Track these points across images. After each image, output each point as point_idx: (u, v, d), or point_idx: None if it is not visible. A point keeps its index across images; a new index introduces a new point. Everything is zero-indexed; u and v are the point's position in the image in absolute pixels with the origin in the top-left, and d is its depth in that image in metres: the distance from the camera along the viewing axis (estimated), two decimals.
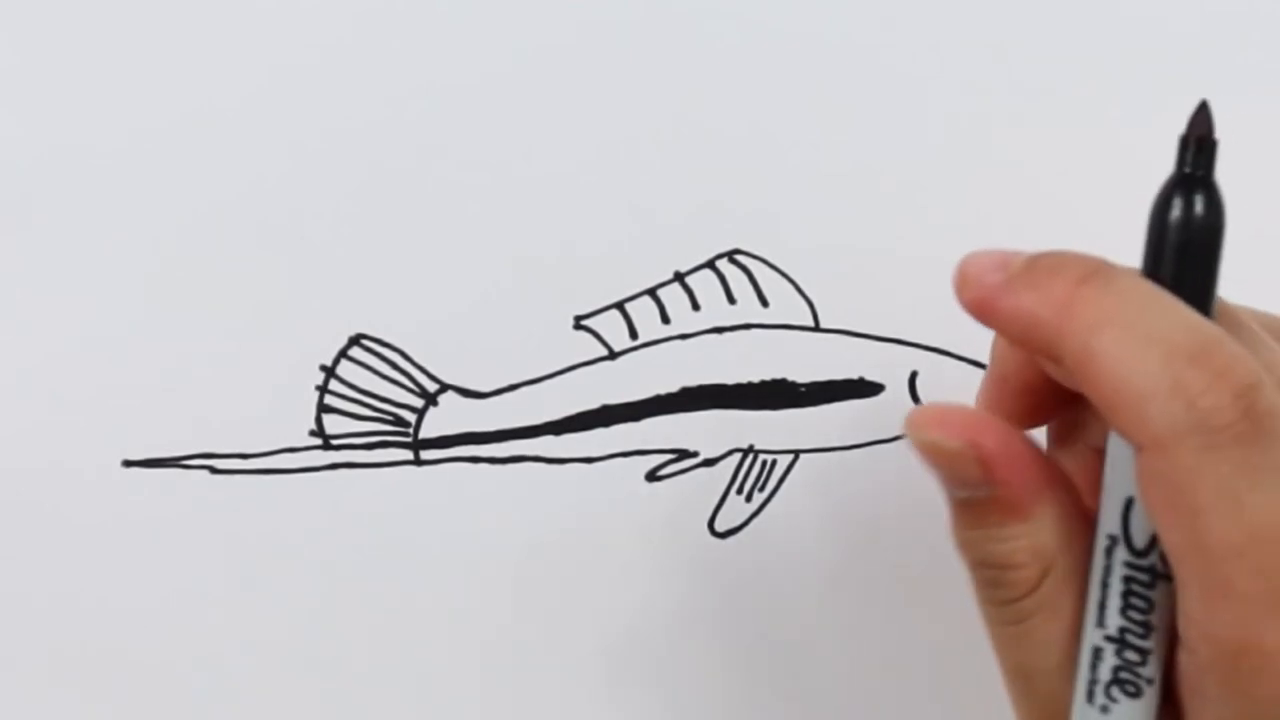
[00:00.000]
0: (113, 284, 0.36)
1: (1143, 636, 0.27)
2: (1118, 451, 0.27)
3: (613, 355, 0.37)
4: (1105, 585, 0.27)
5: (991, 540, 0.27)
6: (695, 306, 0.37)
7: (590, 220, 0.36)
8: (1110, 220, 0.37)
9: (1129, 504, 0.26)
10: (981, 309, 0.26)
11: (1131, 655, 0.27)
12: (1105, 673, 0.27)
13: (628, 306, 0.37)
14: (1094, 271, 0.25)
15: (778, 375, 0.38)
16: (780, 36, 0.35)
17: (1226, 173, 0.37)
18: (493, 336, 0.37)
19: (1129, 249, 0.37)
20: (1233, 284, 0.38)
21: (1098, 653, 0.27)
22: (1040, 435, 0.30)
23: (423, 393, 0.37)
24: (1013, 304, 0.26)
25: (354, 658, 0.38)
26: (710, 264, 0.37)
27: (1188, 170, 0.27)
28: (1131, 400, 0.24)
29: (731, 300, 0.37)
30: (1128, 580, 0.27)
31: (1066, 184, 0.37)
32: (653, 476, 0.38)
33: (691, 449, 0.38)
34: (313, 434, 0.37)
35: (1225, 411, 0.23)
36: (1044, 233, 0.37)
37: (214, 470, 0.37)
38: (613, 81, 0.35)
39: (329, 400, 0.37)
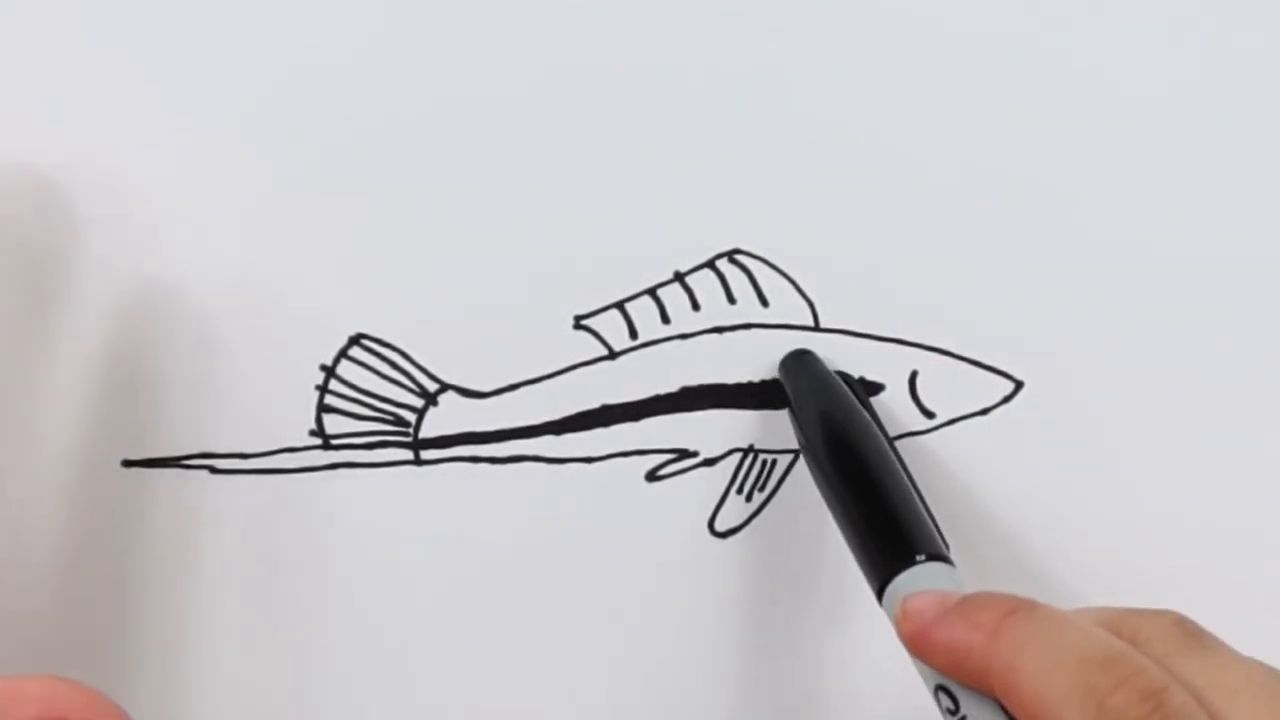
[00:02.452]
0: (112, 282, 0.36)
1: None
2: None
3: (613, 355, 0.37)
4: None
5: None
6: (695, 306, 0.37)
7: (590, 220, 0.36)
8: (1110, 219, 0.37)
9: None
10: (918, 640, 0.30)
11: None
12: None
13: (628, 306, 0.37)
14: (1019, 605, 0.28)
15: (778, 375, 0.38)
16: (781, 36, 0.35)
17: (1227, 172, 0.37)
18: (493, 336, 0.37)
19: (1128, 249, 0.37)
20: (1233, 285, 0.38)
21: None
22: None
23: (423, 392, 0.37)
24: (945, 635, 0.29)
25: (354, 657, 0.38)
26: (710, 264, 0.37)
27: None
28: (1050, 705, 0.26)
29: (732, 300, 0.37)
30: None
31: (1067, 184, 0.37)
32: (653, 476, 0.38)
33: (691, 449, 0.38)
34: (313, 434, 0.37)
35: (1134, 708, 0.26)
36: (1044, 232, 0.37)
37: (214, 470, 0.37)
38: (613, 80, 0.35)
39: (329, 400, 0.37)
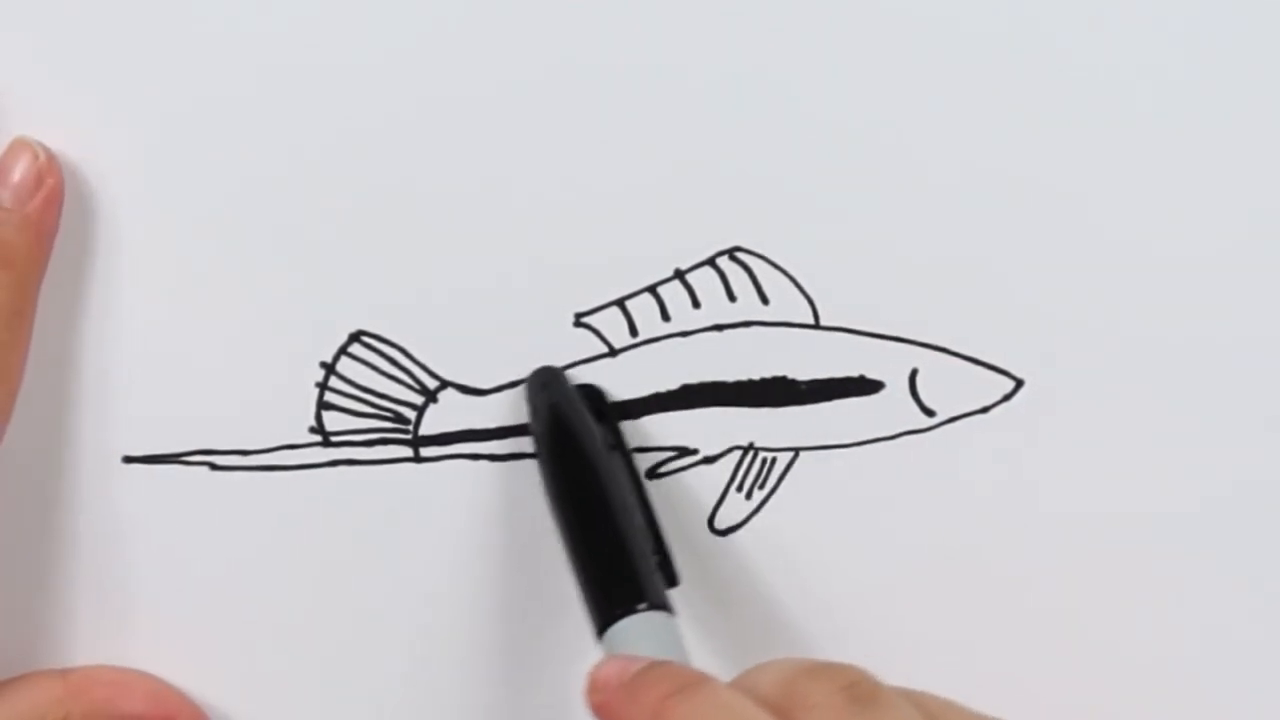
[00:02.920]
0: (113, 279, 0.36)
1: None
2: None
3: (613, 352, 0.37)
4: None
5: None
6: (695, 304, 0.37)
7: (590, 217, 0.36)
8: (1110, 218, 0.37)
9: None
10: (601, 713, 0.30)
11: None
12: None
13: (628, 304, 0.37)
14: (686, 684, 0.29)
15: (778, 373, 0.38)
16: (781, 34, 0.35)
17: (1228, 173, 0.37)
18: (493, 333, 0.37)
19: (1129, 248, 0.37)
20: (1234, 285, 0.38)
21: None
22: None
23: (423, 390, 0.37)
24: (617, 712, 0.29)
25: (353, 655, 0.38)
26: (711, 261, 0.37)
27: None
28: None
29: (732, 298, 0.37)
30: None
31: (1067, 183, 0.37)
32: (653, 474, 0.38)
33: (691, 446, 0.38)
34: (313, 431, 0.37)
35: None
36: (1045, 230, 0.37)
37: (214, 467, 0.37)
38: (613, 78, 0.35)
39: (329, 397, 0.37)
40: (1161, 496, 0.39)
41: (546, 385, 0.37)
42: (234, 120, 0.35)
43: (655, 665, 0.30)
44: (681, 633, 0.32)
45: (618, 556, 0.34)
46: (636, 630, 0.32)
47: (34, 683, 0.36)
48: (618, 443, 0.37)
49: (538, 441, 0.36)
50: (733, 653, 0.39)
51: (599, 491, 0.35)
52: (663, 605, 0.33)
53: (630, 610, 0.32)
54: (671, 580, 0.35)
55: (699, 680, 0.29)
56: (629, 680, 0.29)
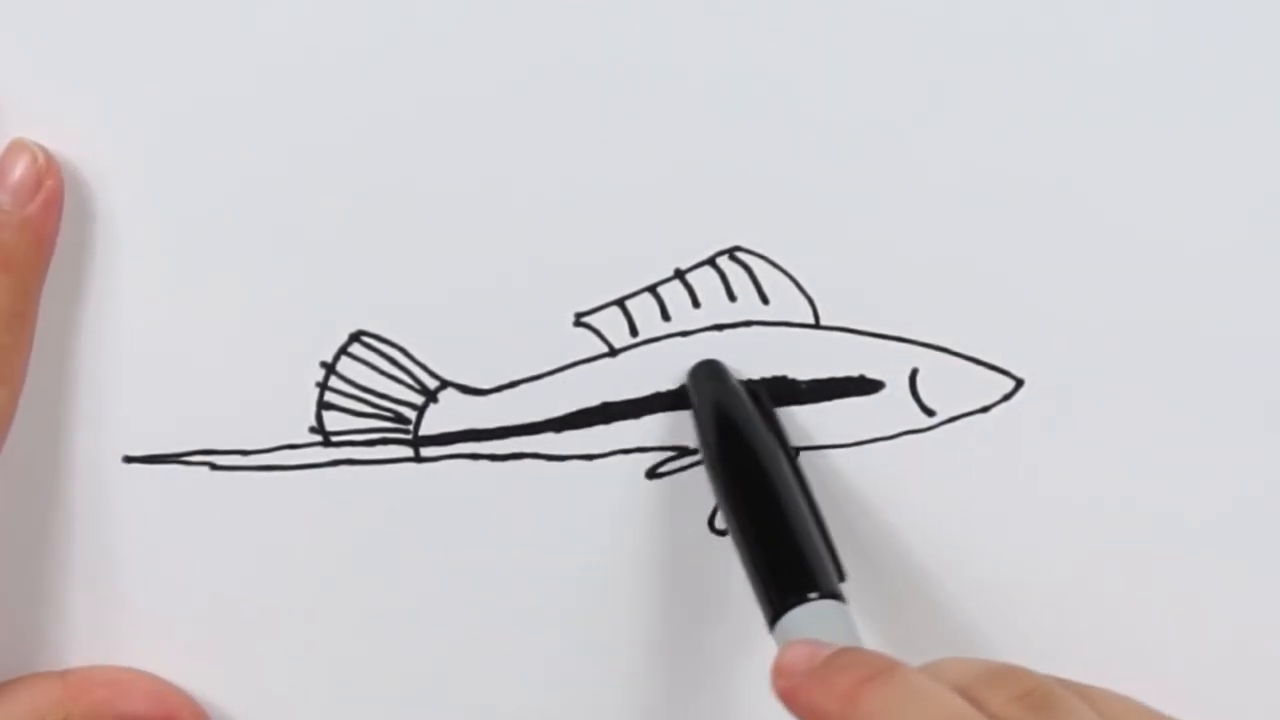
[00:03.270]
0: (112, 279, 0.36)
1: None
2: None
3: (613, 352, 0.37)
4: None
5: None
6: (696, 303, 0.37)
7: (590, 217, 0.36)
8: (1111, 217, 0.37)
9: None
10: (787, 698, 0.30)
11: None
12: None
13: (628, 303, 0.37)
14: (876, 672, 0.29)
15: (778, 372, 0.38)
16: (781, 34, 0.35)
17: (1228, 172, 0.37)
18: (493, 333, 0.37)
19: (1130, 247, 0.37)
20: (1235, 284, 0.38)
21: None
22: None
23: (423, 390, 0.37)
24: (806, 699, 0.29)
25: (353, 654, 0.38)
26: (711, 261, 0.37)
27: None
28: None
29: (732, 297, 0.37)
30: None
31: (1068, 182, 0.37)
32: (653, 474, 0.38)
33: (692, 446, 0.38)
34: (313, 431, 0.37)
35: None
36: (1045, 230, 0.37)
37: (214, 467, 0.37)
38: (613, 78, 0.35)
39: (329, 397, 0.37)
40: (1161, 495, 0.39)
41: (711, 378, 0.37)
42: (234, 120, 0.35)
43: (846, 651, 0.30)
44: (855, 621, 0.32)
45: (790, 547, 0.34)
46: (811, 618, 0.32)
47: (33, 684, 0.36)
48: (778, 434, 0.37)
49: (705, 434, 0.36)
50: (733, 651, 0.39)
51: (770, 484, 0.35)
52: (836, 594, 0.32)
53: (803, 599, 0.32)
54: (840, 573, 0.35)
55: (892, 666, 0.29)
56: (819, 666, 0.29)
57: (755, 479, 0.35)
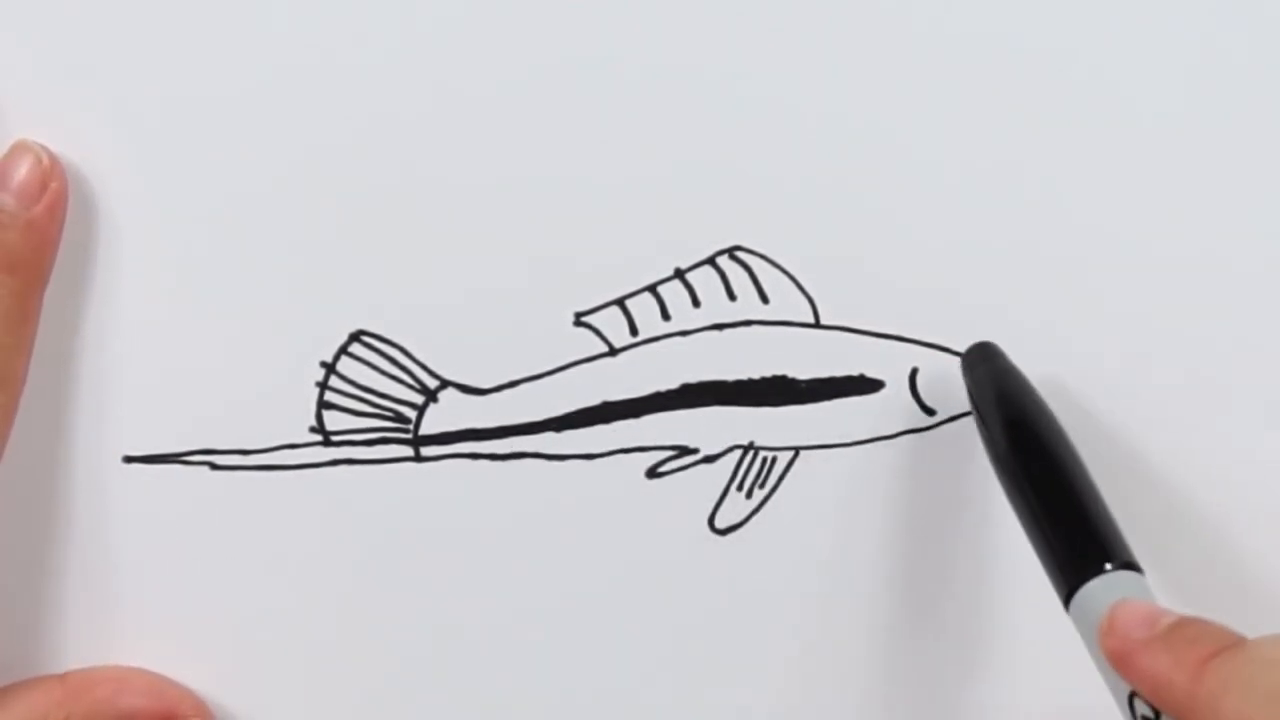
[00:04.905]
0: (113, 280, 0.36)
1: None
2: None
3: (613, 352, 0.37)
4: None
5: None
6: (696, 303, 0.37)
7: (590, 217, 0.36)
8: (1112, 217, 0.37)
9: None
10: (1121, 660, 0.29)
11: None
12: None
13: (628, 303, 0.37)
14: (1226, 645, 0.28)
15: (778, 372, 0.38)
16: (781, 33, 0.35)
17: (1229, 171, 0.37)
18: (493, 333, 0.37)
19: (1131, 247, 0.37)
20: (1236, 284, 0.38)
21: None
22: None
23: (423, 389, 0.37)
24: (1149, 664, 0.29)
25: (353, 653, 0.38)
26: (710, 260, 0.37)
27: None
28: None
29: (732, 297, 0.37)
30: None
31: (1069, 181, 0.37)
32: (653, 473, 0.38)
33: (692, 445, 0.38)
34: (313, 430, 0.37)
35: None
36: (1045, 229, 0.37)
37: (214, 466, 0.37)
38: (613, 77, 0.35)
39: (329, 397, 0.37)
40: (1162, 494, 0.39)
41: (987, 359, 0.36)
42: (234, 121, 0.35)
43: (1194, 621, 0.29)
44: (1154, 592, 0.32)
45: (1088, 517, 0.33)
46: (1112, 588, 0.31)
47: (34, 687, 0.36)
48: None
49: (988, 410, 0.35)
50: (733, 651, 0.39)
51: (1061, 457, 0.34)
52: (1134, 564, 0.32)
53: (1101, 570, 0.32)
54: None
55: (1240, 640, 0.28)
56: (1164, 632, 0.29)
57: (1048, 452, 0.34)
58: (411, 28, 0.35)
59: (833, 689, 0.40)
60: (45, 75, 0.35)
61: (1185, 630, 0.29)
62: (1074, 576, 0.32)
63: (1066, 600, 0.32)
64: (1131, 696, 0.29)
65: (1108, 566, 0.32)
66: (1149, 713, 0.29)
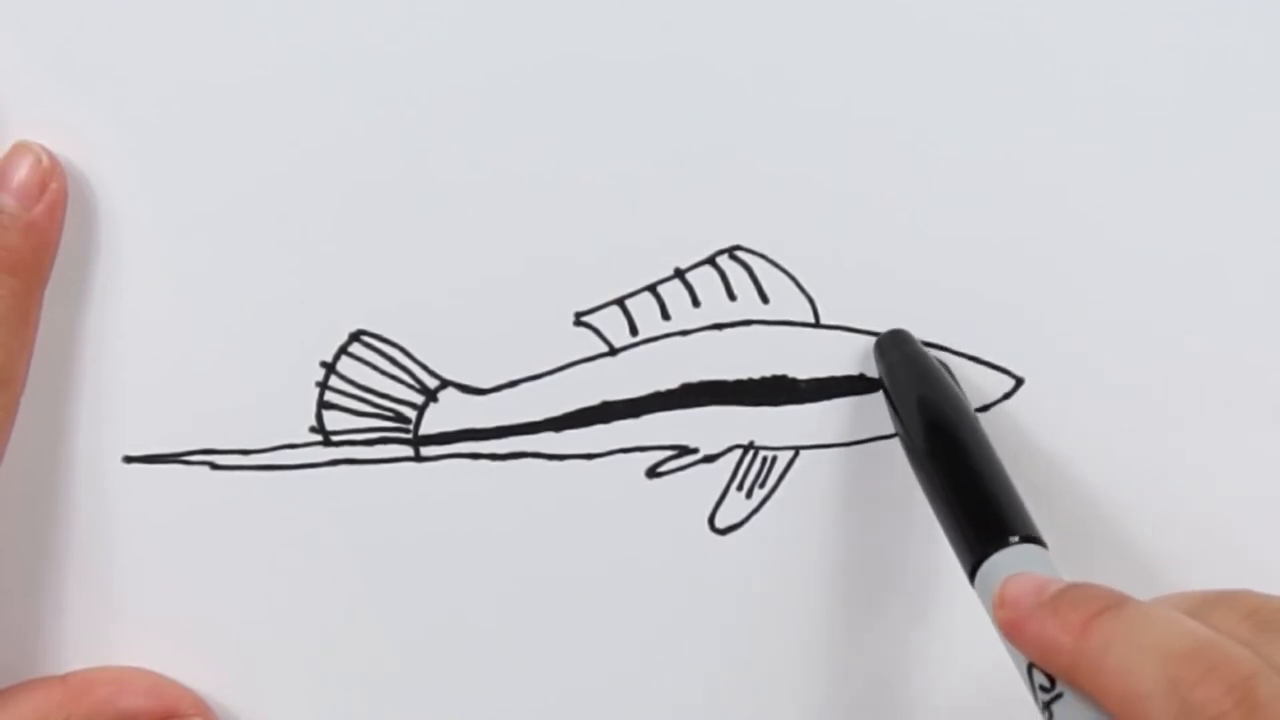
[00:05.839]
0: (113, 280, 0.36)
1: None
2: None
3: (613, 351, 0.37)
4: None
5: None
6: (695, 303, 0.37)
7: (590, 216, 0.36)
8: (1112, 216, 0.37)
9: None
10: (1012, 629, 0.30)
11: None
12: None
13: (628, 303, 0.37)
14: (1109, 604, 0.28)
15: (778, 371, 0.38)
16: (782, 32, 0.35)
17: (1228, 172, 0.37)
18: (493, 333, 0.37)
19: (1130, 246, 0.37)
20: (1236, 283, 0.38)
21: None
22: None
23: (423, 389, 0.37)
24: (1037, 629, 0.29)
25: (353, 654, 0.38)
26: (710, 260, 0.37)
27: None
28: (1134, 702, 0.27)
29: (732, 296, 0.37)
30: None
31: (1069, 181, 0.37)
32: (653, 473, 0.38)
33: (692, 445, 0.38)
34: (313, 430, 0.37)
35: (1218, 702, 0.25)
36: (1045, 228, 0.37)
37: (214, 466, 0.37)
38: (614, 77, 0.35)
39: (329, 396, 0.37)
40: (1163, 494, 0.39)
41: (897, 345, 0.37)
42: (233, 121, 0.35)
43: (1078, 586, 0.30)
44: (1056, 565, 0.32)
45: (991, 493, 0.34)
46: (1014, 562, 0.32)
47: (35, 688, 0.36)
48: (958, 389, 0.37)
49: (898, 389, 0.36)
50: (733, 650, 0.39)
51: (964, 435, 0.35)
52: (1037, 538, 0.32)
53: (1005, 543, 0.32)
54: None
55: (1124, 598, 0.29)
56: (1050, 599, 0.29)
57: (950, 431, 0.35)
58: (411, 26, 0.35)
59: (833, 687, 0.40)
60: (45, 75, 0.35)
61: (1070, 594, 0.29)
62: (977, 551, 0.32)
63: (971, 575, 0.32)
64: (1030, 667, 0.30)
65: (1011, 540, 0.32)
66: (1045, 681, 0.29)
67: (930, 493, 0.35)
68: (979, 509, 0.33)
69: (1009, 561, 0.32)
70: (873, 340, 0.37)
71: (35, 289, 0.34)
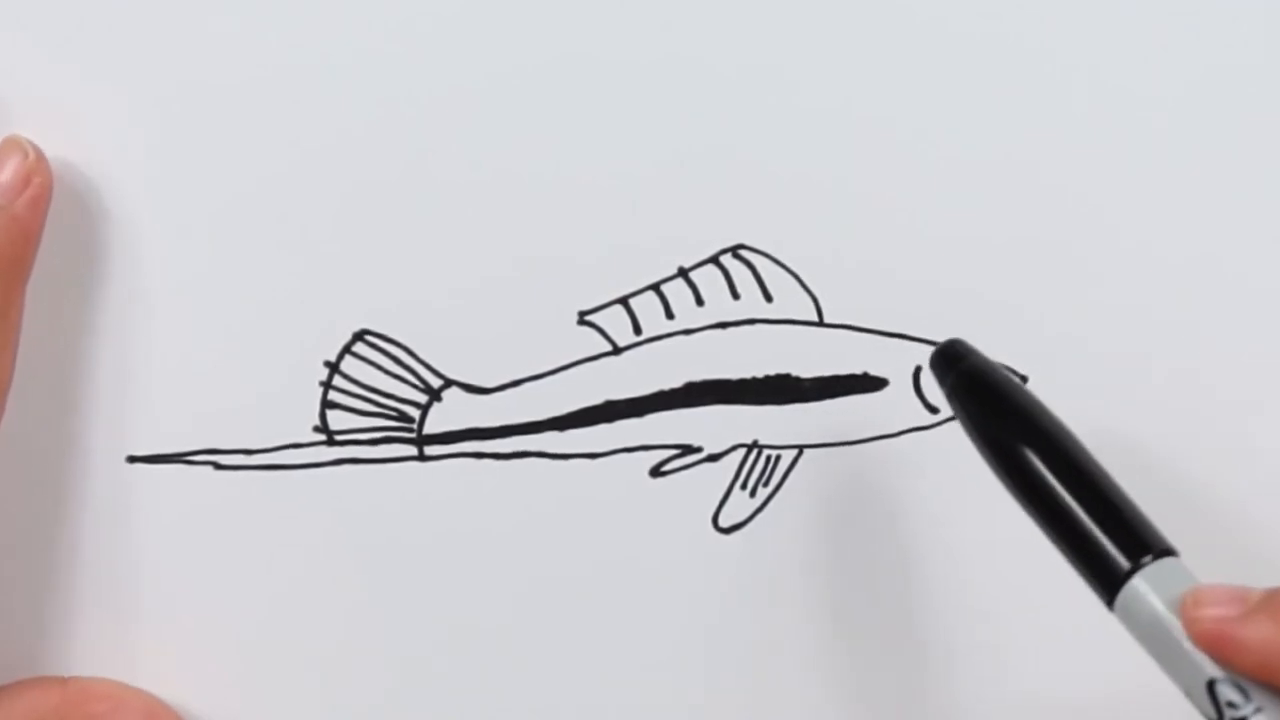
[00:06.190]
0: (116, 280, 0.36)
1: None
2: None
3: (617, 350, 0.37)
4: None
5: None
6: (699, 302, 0.37)
7: (594, 215, 0.36)
8: (1114, 215, 0.37)
9: None
10: (1218, 642, 0.28)
11: None
12: None
13: (632, 302, 0.37)
14: None
15: (781, 370, 0.38)
16: (784, 31, 0.35)
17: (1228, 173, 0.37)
18: (497, 332, 0.37)
19: (1133, 245, 0.37)
20: (1238, 282, 0.38)
21: None
22: None
23: (427, 388, 0.37)
24: (1255, 635, 0.28)
25: (356, 653, 0.38)
26: (714, 259, 0.37)
27: None
28: None
29: (735, 295, 0.37)
30: None
31: (1070, 180, 0.37)
32: (657, 472, 0.38)
33: (695, 444, 0.38)
34: (317, 430, 0.37)
35: None
36: (1048, 227, 0.37)
37: (218, 466, 0.37)
38: (616, 76, 0.35)
39: (333, 396, 0.37)
40: (1166, 493, 0.39)
41: (956, 361, 0.33)
42: (237, 119, 0.35)
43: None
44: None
45: (1113, 514, 0.31)
46: (1159, 578, 0.30)
47: (34, 688, 0.36)
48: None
49: (982, 427, 0.32)
50: (736, 650, 0.39)
51: (1071, 457, 0.32)
52: (1170, 549, 0.30)
53: (1139, 564, 0.30)
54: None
55: None
56: (1261, 604, 0.28)
57: (1058, 454, 0.32)
58: (411, 26, 0.35)
59: (836, 686, 0.39)
60: (46, 76, 0.35)
61: None
62: (1115, 576, 0.30)
63: (1110, 601, 0.30)
64: (1211, 684, 0.28)
65: (1146, 559, 0.30)
66: (1235, 697, 0.28)
67: (1046, 526, 0.32)
68: (1107, 533, 0.31)
69: (1152, 579, 0.30)
70: (874, 339, 0.37)
71: (15, 284, 0.34)
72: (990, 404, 0.32)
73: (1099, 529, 0.31)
